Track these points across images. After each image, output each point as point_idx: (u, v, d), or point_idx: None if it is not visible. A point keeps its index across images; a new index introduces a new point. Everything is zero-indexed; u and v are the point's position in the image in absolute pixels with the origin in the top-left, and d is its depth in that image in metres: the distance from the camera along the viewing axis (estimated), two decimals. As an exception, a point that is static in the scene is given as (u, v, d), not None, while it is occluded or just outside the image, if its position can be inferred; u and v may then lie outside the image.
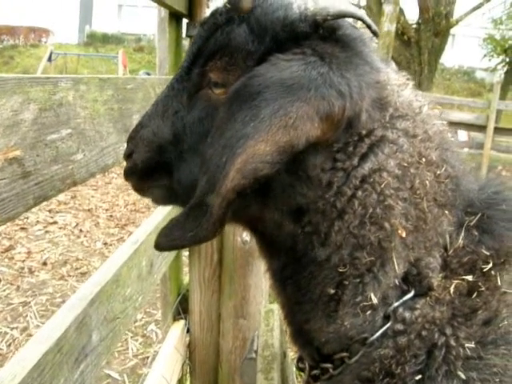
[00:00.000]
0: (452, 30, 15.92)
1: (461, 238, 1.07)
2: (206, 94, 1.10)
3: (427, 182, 1.04)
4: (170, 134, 1.15)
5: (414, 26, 15.12)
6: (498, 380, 0.96)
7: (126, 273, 1.54)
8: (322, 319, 1.08)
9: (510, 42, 23.20)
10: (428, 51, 14.79)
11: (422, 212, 1.03)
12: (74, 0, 32.67)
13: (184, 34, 2.45)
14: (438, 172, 1.06)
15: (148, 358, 3.96)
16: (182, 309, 2.65)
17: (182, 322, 2.64)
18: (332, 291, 1.05)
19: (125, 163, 1.25)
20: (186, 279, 2.83)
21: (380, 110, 1.03)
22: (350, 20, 1.06)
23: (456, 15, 15.33)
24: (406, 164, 1.02)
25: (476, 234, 1.08)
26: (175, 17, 2.33)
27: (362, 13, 1.03)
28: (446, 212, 1.07)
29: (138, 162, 1.18)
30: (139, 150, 1.18)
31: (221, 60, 1.05)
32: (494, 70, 25.36)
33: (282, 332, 2.13)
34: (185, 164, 1.13)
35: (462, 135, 13.50)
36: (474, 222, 1.09)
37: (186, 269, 2.87)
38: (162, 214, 2.00)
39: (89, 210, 7.30)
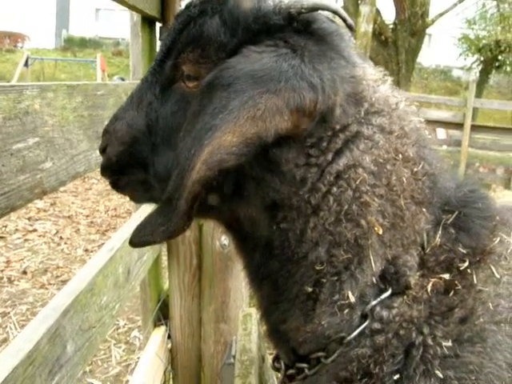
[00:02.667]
0: (428, 30, 16.17)
1: (438, 236, 1.07)
2: (179, 87, 1.09)
3: (404, 178, 1.03)
4: (144, 125, 1.14)
5: (391, 26, 15.32)
6: (473, 378, 0.96)
7: (101, 281, 1.52)
8: (299, 318, 1.07)
9: (483, 41, 23.66)
10: (405, 51, 15.01)
11: (398, 209, 1.03)
12: (51, 4, 32.21)
13: (158, 38, 2.44)
14: (415, 169, 1.06)
15: (131, 365, 3.92)
16: (163, 314, 2.63)
17: (163, 327, 2.62)
18: (309, 289, 1.03)
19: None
20: (165, 285, 2.81)
21: (355, 105, 1.01)
22: (328, 14, 1.05)
23: (431, 15, 15.59)
24: (382, 160, 1.01)
25: (453, 232, 1.08)
26: (148, 21, 2.32)
27: (337, 6, 1.02)
28: (424, 210, 1.07)
29: (112, 155, 1.17)
30: (113, 143, 1.17)
31: (193, 52, 1.04)
32: (469, 68, 25.86)
33: (260, 336, 2.13)
34: (159, 158, 1.12)
35: (441, 133, 13.70)
36: (451, 220, 1.09)
37: (166, 273, 2.86)
38: (138, 220, 1.98)
39: (69, 217, 7.20)
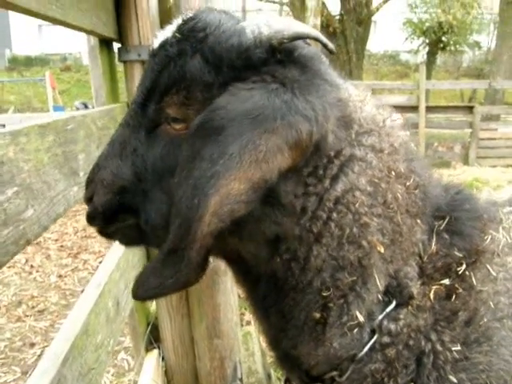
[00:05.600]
0: (373, 17, 16.54)
1: (433, 243, 1.09)
2: (165, 130, 1.05)
3: (399, 194, 1.04)
4: (131, 174, 1.10)
5: (338, 17, 15.59)
6: (485, 377, 0.99)
7: (94, 320, 1.47)
8: (310, 343, 1.07)
9: (426, 24, 24.41)
10: (354, 40, 15.32)
11: (396, 225, 1.04)
12: (-12, 25, 30.97)
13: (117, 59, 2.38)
14: (408, 183, 1.07)
15: (123, 388, 3.83)
16: (154, 338, 2.59)
17: (156, 351, 2.57)
18: (317, 315, 1.04)
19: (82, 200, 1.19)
20: (152, 307, 2.76)
21: (345, 128, 1.02)
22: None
23: (376, 3, 15.95)
24: (376, 180, 1.02)
25: (447, 237, 1.11)
26: (105, 42, 2.26)
27: (317, 33, 1.01)
28: (418, 221, 1.09)
29: (99, 205, 1.13)
30: (99, 193, 1.13)
31: (177, 94, 1.00)
32: (416, 51, 26.61)
33: (263, 354, 2.12)
34: (150, 203, 1.08)
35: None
36: (443, 225, 1.11)
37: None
38: (121, 249, 1.94)
39: (37, 243, 6.95)
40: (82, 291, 4.98)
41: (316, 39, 1.00)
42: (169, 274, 0.90)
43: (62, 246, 6.88)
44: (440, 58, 29.15)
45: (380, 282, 1.03)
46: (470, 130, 11.77)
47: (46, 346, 4.35)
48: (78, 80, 27.20)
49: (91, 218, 1.18)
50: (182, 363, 2.58)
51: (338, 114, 0.99)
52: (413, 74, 28.52)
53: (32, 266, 6.16)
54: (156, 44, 1.07)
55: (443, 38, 24.28)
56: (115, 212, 1.14)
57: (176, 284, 0.90)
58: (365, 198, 0.99)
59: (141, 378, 2.35)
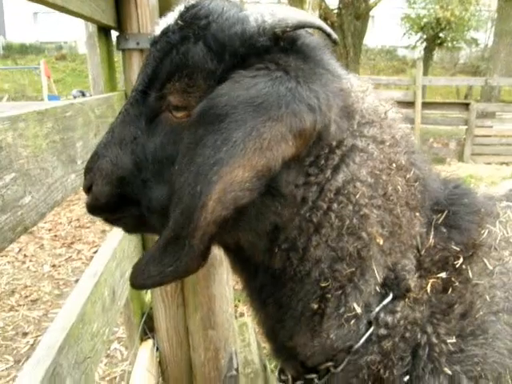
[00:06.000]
0: (371, 12, 16.50)
1: (431, 236, 1.09)
2: (166, 118, 1.04)
3: (399, 187, 1.04)
4: (131, 163, 1.08)
5: (336, 11, 15.54)
6: (479, 369, 1.00)
7: (90, 309, 1.47)
8: (307, 334, 1.07)
9: (424, 20, 24.40)
10: (351, 34, 15.28)
11: (396, 217, 1.04)
12: (-18, 10, 30.58)
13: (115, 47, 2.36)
14: (408, 176, 1.07)
15: (116, 378, 3.84)
16: (148, 328, 2.59)
17: (150, 341, 2.57)
18: (315, 306, 1.04)
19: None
20: (147, 297, 2.76)
21: (347, 118, 1.01)
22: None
23: (374, -3, 15.92)
24: (377, 171, 1.01)
25: (444, 230, 1.11)
26: (104, 30, 2.24)
27: (321, 22, 1.00)
28: (417, 214, 1.09)
29: (100, 196, 1.12)
30: (99, 183, 1.12)
31: (179, 82, 0.99)
32: (414, 47, 26.61)
33: (259, 345, 2.13)
34: (151, 192, 1.07)
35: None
36: (442, 219, 1.11)
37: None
38: (116, 239, 1.93)
39: (30, 233, 6.91)
40: (76, 281, 4.98)
41: (319, 28, 1.00)
42: (169, 262, 0.89)
43: (55, 236, 6.85)
44: (437, 54, 29.17)
45: (378, 274, 1.03)
46: (465, 127, 11.81)
47: (39, 336, 4.35)
48: (73, 69, 26.98)
49: (92, 209, 1.17)
50: (177, 353, 2.58)
51: (340, 103, 0.98)
52: (409, 69, 28.54)
53: (25, 256, 6.13)
54: (157, 31, 1.06)
55: (441, 34, 24.30)
56: (116, 203, 1.12)
57: (176, 272, 0.90)
58: (365, 189, 0.99)
59: (135, 367, 2.35)
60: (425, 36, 25.19)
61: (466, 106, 11.82)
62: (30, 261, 6.00)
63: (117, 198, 1.12)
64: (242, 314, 4.13)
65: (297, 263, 1.02)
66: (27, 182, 1.15)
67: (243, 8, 1.00)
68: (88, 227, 7.13)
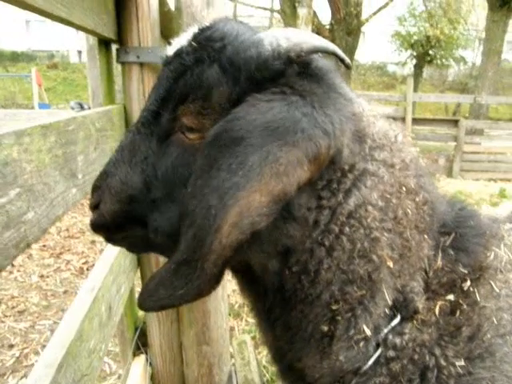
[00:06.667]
0: (363, 28, 16.76)
1: (439, 259, 1.10)
2: (178, 140, 1.03)
3: (409, 210, 1.05)
4: (140, 183, 1.07)
5: (328, 26, 15.76)
6: None
7: (88, 325, 1.44)
8: (316, 356, 1.07)
9: (414, 37, 24.84)
10: (343, 49, 15.30)
11: (406, 240, 1.04)
12: (-26, 17, 30.42)
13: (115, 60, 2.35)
14: (417, 199, 1.08)
15: (105, 392, 3.77)
16: (141, 343, 2.55)
17: (143, 356, 2.54)
18: (325, 328, 1.03)
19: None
20: (140, 311, 2.73)
21: (359, 142, 1.02)
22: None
23: (366, 14, 16.18)
24: (388, 195, 1.02)
25: (452, 253, 1.11)
26: (104, 43, 2.24)
27: (335, 47, 1.01)
28: (425, 236, 1.09)
29: (106, 214, 1.11)
30: (106, 201, 1.10)
31: (194, 103, 0.99)
32: (404, 63, 27.05)
33: (258, 363, 2.10)
34: (160, 213, 1.06)
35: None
36: (449, 242, 1.12)
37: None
38: (113, 252, 1.91)
39: (18, 243, 6.81)
40: (64, 292, 4.90)
41: (333, 54, 1.00)
42: (179, 284, 0.88)
43: (44, 246, 6.75)
44: (426, 71, 29.65)
45: (388, 297, 1.03)
46: (454, 143, 11.95)
47: (25, 348, 4.26)
48: (64, 78, 26.92)
49: (96, 226, 1.15)
50: (170, 369, 2.55)
51: (352, 127, 0.98)
52: (399, 85, 28.93)
53: (13, 265, 6.02)
54: (170, 51, 1.06)
55: (430, 52, 24.74)
56: (122, 222, 1.11)
57: (187, 295, 0.89)
58: (376, 212, 1.00)
59: (127, 383, 2.31)
60: (415, 53, 25.63)
61: (455, 122, 11.99)
62: (18, 271, 5.89)
63: (123, 217, 1.11)
64: (232, 329, 4.10)
65: (308, 286, 1.01)
66: (31, 197, 1.13)
67: (257, 31, 1.00)
68: (77, 237, 7.05)
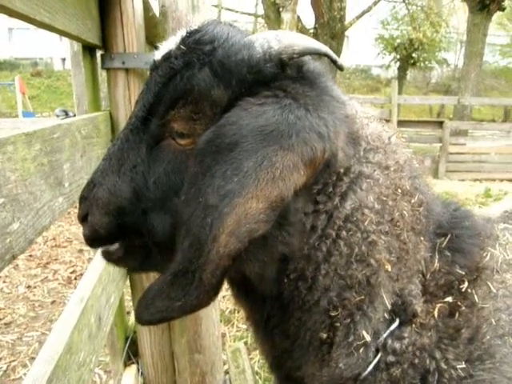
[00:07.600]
0: (347, 32, 16.90)
1: (436, 260, 1.09)
2: (169, 145, 1.00)
3: (405, 212, 1.03)
4: (130, 192, 1.04)
5: (312, 31, 15.85)
6: None
7: (77, 337, 1.41)
8: (315, 364, 1.05)
9: (398, 40, 25.15)
10: (327, 53, 15.56)
11: (403, 243, 1.03)
12: (-45, 25, 30.01)
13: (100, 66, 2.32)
14: (413, 201, 1.07)
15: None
16: (132, 352, 2.50)
17: (134, 366, 2.49)
18: (324, 335, 1.01)
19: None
20: (130, 321, 2.68)
21: (353, 145, 1.00)
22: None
23: (349, 18, 16.32)
24: (383, 197, 1.00)
25: (448, 254, 1.10)
26: (88, 49, 2.20)
27: (327, 48, 0.99)
28: (422, 238, 1.08)
29: (97, 227, 1.07)
30: (95, 212, 1.07)
31: (184, 108, 0.96)
32: (388, 66, 27.35)
33: (253, 371, 2.07)
34: (152, 221, 1.03)
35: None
36: (445, 243, 1.11)
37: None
38: (101, 263, 1.87)
39: (3, 253, 6.69)
40: (52, 302, 4.82)
41: (326, 55, 0.99)
42: (177, 296, 0.85)
43: (30, 256, 6.64)
44: (410, 74, 29.99)
45: (387, 301, 1.01)
46: (439, 144, 12.07)
47: (13, 361, 4.17)
48: (48, 86, 26.67)
49: (92, 242, 1.12)
50: (162, 378, 2.51)
51: (346, 130, 0.97)
52: (384, 88, 29.22)
53: (-2, 277, 5.92)
54: (158, 56, 1.03)
55: (413, 55, 25.04)
56: (116, 233, 1.08)
57: (185, 307, 0.86)
58: (373, 215, 0.98)
59: (119, 395, 2.27)
60: (398, 56, 25.92)
61: (440, 124, 12.11)
62: (4, 282, 5.78)
63: (115, 228, 1.07)
64: (223, 335, 4.06)
65: (305, 292, 0.99)
66: (16, 207, 1.10)
67: (248, 33, 0.98)
68: (65, 246, 6.95)
